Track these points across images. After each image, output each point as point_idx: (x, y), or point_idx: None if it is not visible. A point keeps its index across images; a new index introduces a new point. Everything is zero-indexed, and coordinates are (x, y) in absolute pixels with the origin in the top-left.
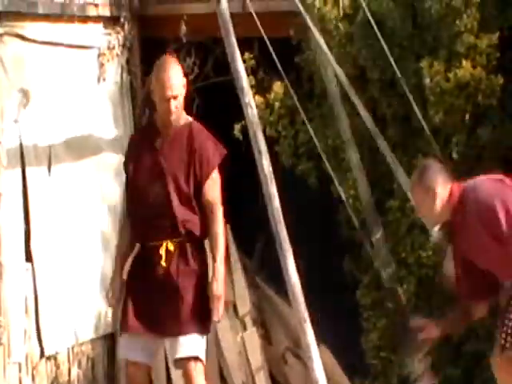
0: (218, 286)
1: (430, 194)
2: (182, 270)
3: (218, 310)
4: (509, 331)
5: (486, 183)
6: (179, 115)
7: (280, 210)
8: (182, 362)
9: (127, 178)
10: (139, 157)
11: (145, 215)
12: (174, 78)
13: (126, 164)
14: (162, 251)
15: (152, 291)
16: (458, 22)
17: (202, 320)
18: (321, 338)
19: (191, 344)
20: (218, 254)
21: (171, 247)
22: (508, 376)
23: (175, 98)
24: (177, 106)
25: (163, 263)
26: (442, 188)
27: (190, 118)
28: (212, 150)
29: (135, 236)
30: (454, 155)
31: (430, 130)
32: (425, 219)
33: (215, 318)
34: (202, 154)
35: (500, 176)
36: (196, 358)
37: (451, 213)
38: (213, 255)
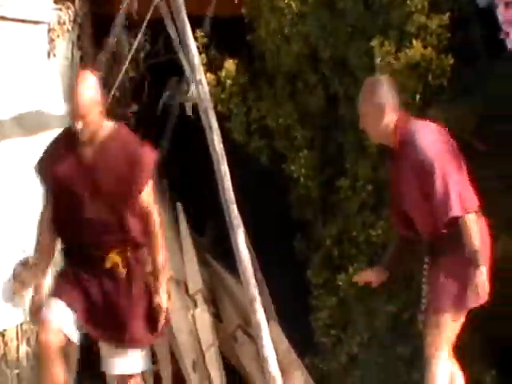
0: (163, 299)
1: (378, 111)
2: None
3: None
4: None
5: (430, 137)
6: (98, 127)
7: (231, 187)
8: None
9: (48, 189)
10: (64, 168)
11: (82, 229)
12: (83, 96)
13: (43, 174)
14: (109, 263)
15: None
16: (408, 2)
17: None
18: (272, 316)
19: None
20: (159, 262)
21: (117, 259)
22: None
23: (83, 117)
24: (88, 122)
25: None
26: (390, 111)
27: (114, 124)
28: (146, 156)
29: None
30: None
31: None
32: (367, 131)
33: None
34: (136, 161)
35: (444, 131)
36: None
37: (392, 142)
38: (153, 262)
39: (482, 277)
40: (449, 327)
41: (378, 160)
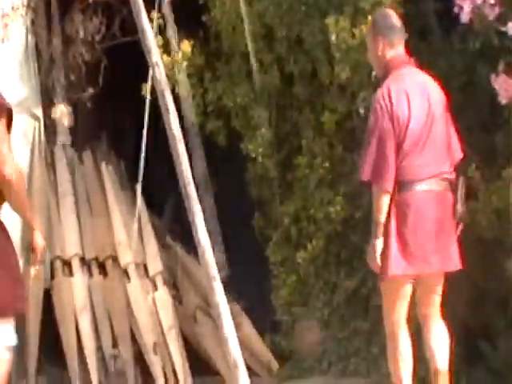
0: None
1: (372, 42)
2: None
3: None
4: None
5: (390, 100)
6: None
7: (189, 169)
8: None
9: None
10: None
11: None
12: None
13: None
14: None
15: None
16: None
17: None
18: (232, 296)
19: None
20: (25, 215)
21: None
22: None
23: None
24: None
25: None
26: (388, 45)
27: None
28: None
29: None
30: (361, 111)
31: (337, 87)
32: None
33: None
34: None
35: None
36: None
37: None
38: (21, 216)
39: (371, 248)
40: (386, 295)
41: (335, 137)
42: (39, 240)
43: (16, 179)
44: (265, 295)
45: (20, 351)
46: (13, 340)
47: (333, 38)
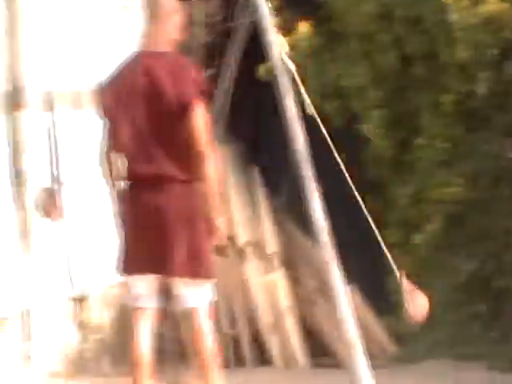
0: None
1: None
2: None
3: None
4: None
5: None
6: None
7: (305, 150)
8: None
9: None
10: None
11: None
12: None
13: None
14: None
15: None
16: None
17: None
18: (348, 278)
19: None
20: (211, 191)
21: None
22: None
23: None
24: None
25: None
26: None
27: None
28: (198, 74)
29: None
30: (481, 91)
31: (456, 67)
32: None
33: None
34: (187, 74)
35: None
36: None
37: None
38: (207, 191)
39: None
40: None
41: (454, 117)
42: (219, 228)
43: (208, 155)
44: (379, 278)
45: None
46: (214, 296)
47: (453, 17)
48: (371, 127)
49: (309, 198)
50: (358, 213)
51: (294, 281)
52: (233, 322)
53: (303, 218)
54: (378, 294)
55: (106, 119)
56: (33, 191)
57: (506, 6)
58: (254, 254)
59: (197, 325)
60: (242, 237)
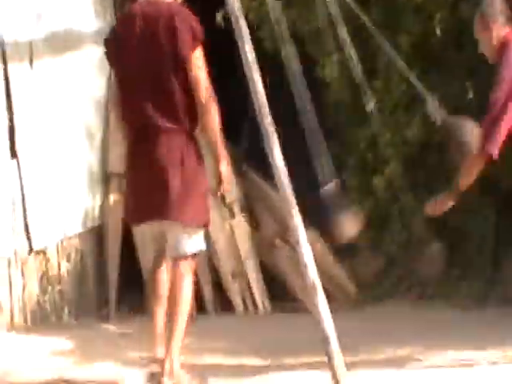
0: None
1: (487, 31)
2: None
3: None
4: None
5: None
6: None
7: (263, 94)
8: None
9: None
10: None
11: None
12: None
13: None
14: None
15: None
16: None
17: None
18: (309, 222)
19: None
20: (213, 133)
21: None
22: None
23: None
24: None
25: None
26: (498, 29)
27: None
28: (195, 21)
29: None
30: (438, 32)
31: (413, 8)
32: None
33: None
34: (185, 21)
35: None
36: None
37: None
38: (207, 133)
39: None
40: None
41: (411, 59)
42: (224, 170)
43: (211, 106)
44: None
45: (101, 280)
46: (203, 246)
47: None
48: (329, 71)
49: (268, 142)
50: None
51: (255, 227)
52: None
53: (264, 165)
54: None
55: (112, 66)
56: None
57: None
58: (214, 202)
59: (180, 271)
60: None
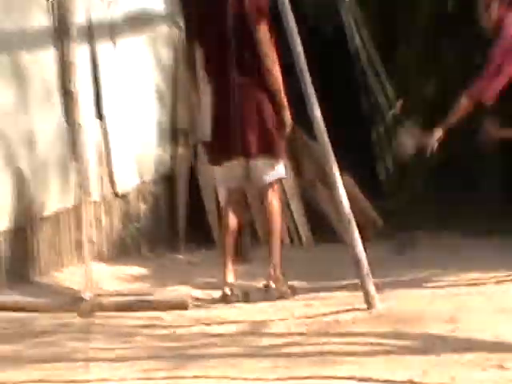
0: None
1: (488, 8)
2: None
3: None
4: None
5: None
6: None
7: (303, 56)
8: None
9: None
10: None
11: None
12: None
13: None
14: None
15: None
16: None
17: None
18: (342, 167)
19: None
20: (277, 90)
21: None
22: None
23: None
24: None
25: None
26: (495, 7)
27: None
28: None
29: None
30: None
31: None
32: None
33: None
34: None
35: None
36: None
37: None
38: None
39: None
40: None
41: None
42: (287, 117)
43: (274, 69)
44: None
45: (172, 219)
46: (284, 173)
47: None
48: (359, 42)
49: (308, 101)
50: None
51: (299, 171)
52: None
53: (306, 120)
54: (366, 178)
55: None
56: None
57: None
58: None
59: (268, 200)
60: None
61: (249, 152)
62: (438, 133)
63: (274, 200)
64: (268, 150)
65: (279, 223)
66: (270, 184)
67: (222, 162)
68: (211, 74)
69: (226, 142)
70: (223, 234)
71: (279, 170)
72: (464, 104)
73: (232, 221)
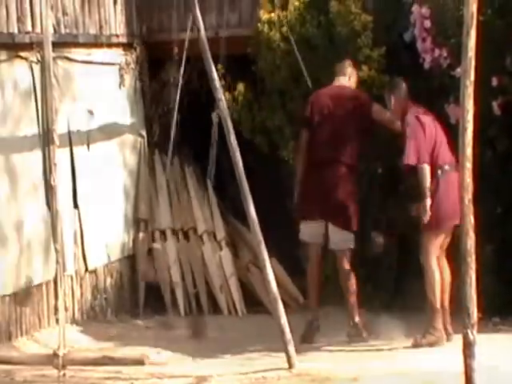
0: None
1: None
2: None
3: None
4: None
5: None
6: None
7: (243, 169)
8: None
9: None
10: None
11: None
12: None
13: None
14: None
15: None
16: (358, 40)
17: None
18: (272, 253)
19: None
20: None
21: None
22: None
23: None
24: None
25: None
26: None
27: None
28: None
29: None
30: None
31: None
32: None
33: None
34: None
35: None
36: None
37: None
38: None
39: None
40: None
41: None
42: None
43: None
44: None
45: (134, 291)
46: (353, 244)
47: None
48: (287, 153)
49: (245, 199)
50: (280, 210)
51: (236, 256)
52: (195, 284)
53: (243, 214)
54: (290, 261)
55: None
56: None
57: (373, 72)
58: (209, 239)
59: (341, 264)
60: (201, 227)
61: (334, 219)
62: (428, 202)
63: (345, 266)
64: (348, 223)
65: (354, 283)
66: (343, 251)
67: (311, 219)
68: (313, 150)
69: (313, 205)
70: (309, 283)
71: (351, 240)
72: (425, 169)
73: (316, 274)
